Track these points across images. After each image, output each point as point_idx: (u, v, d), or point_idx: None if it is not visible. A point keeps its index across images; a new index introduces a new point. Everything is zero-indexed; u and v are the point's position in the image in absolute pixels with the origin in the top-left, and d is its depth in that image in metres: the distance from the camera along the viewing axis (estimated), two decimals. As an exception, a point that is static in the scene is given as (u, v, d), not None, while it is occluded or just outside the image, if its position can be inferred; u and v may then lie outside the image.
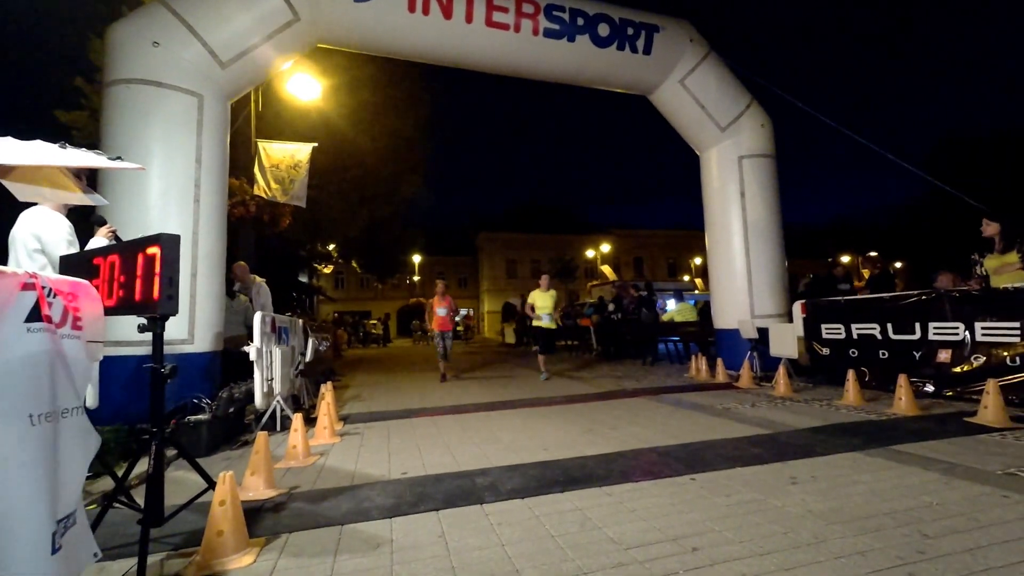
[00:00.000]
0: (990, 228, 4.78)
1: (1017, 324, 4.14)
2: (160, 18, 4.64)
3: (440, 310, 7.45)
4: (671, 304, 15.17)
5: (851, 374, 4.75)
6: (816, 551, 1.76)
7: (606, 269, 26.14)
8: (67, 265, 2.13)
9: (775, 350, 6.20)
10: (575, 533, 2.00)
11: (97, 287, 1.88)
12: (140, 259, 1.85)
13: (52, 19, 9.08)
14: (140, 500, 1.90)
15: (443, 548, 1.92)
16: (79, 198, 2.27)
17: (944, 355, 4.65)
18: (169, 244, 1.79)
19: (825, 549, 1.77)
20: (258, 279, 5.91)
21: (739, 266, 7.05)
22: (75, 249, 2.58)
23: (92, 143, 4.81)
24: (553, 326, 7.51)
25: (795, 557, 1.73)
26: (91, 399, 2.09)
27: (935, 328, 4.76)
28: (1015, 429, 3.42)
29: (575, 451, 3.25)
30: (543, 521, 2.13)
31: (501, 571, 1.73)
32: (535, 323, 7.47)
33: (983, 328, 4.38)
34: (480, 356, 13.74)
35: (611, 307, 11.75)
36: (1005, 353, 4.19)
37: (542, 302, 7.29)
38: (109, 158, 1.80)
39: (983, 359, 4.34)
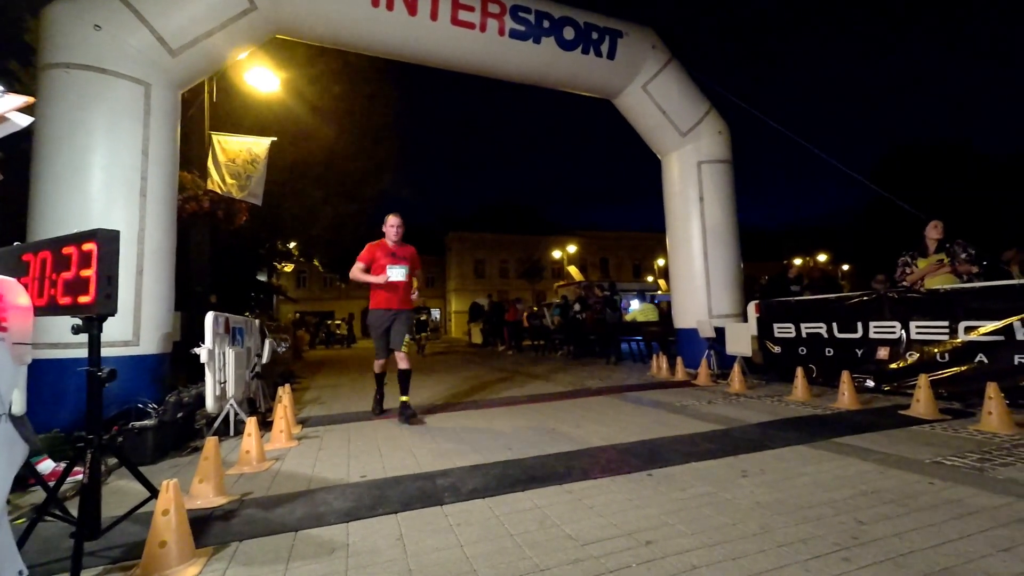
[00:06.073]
0: (936, 230, 5.08)
1: (946, 323, 4.46)
2: (102, 0, 4.37)
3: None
4: (634, 304, 15.50)
5: (799, 371, 4.99)
6: (761, 540, 1.84)
7: (572, 270, 26.45)
8: (-8, 262, 1.98)
9: (731, 348, 6.45)
10: (534, 531, 2.02)
11: (26, 285, 1.76)
12: (75, 255, 1.74)
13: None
14: (76, 512, 1.79)
15: (401, 551, 1.90)
16: None
17: (883, 352, 4.96)
18: (106, 240, 1.70)
19: (770, 538, 1.86)
20: None
21: (698, 267, 7.29)
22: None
23: (28, 130, 4.48)
24: None
25: (742, 547, 1.80)
26: (17, 405, 1.95)
27: (875, 327, 5.07)
28: (943, 420, 3.68)
29: (538, 450, 3.28)
30: (503, 520, 2.14)
31: (458, 571, 1.72)
32: None
33: (917, 327, 4.70)
34: (446, 356, 13.64)
35: (577, 307, 11.91)
36: (935, 350, 4.51)
37: None
38: None
39: (916, 355, 4.65)
